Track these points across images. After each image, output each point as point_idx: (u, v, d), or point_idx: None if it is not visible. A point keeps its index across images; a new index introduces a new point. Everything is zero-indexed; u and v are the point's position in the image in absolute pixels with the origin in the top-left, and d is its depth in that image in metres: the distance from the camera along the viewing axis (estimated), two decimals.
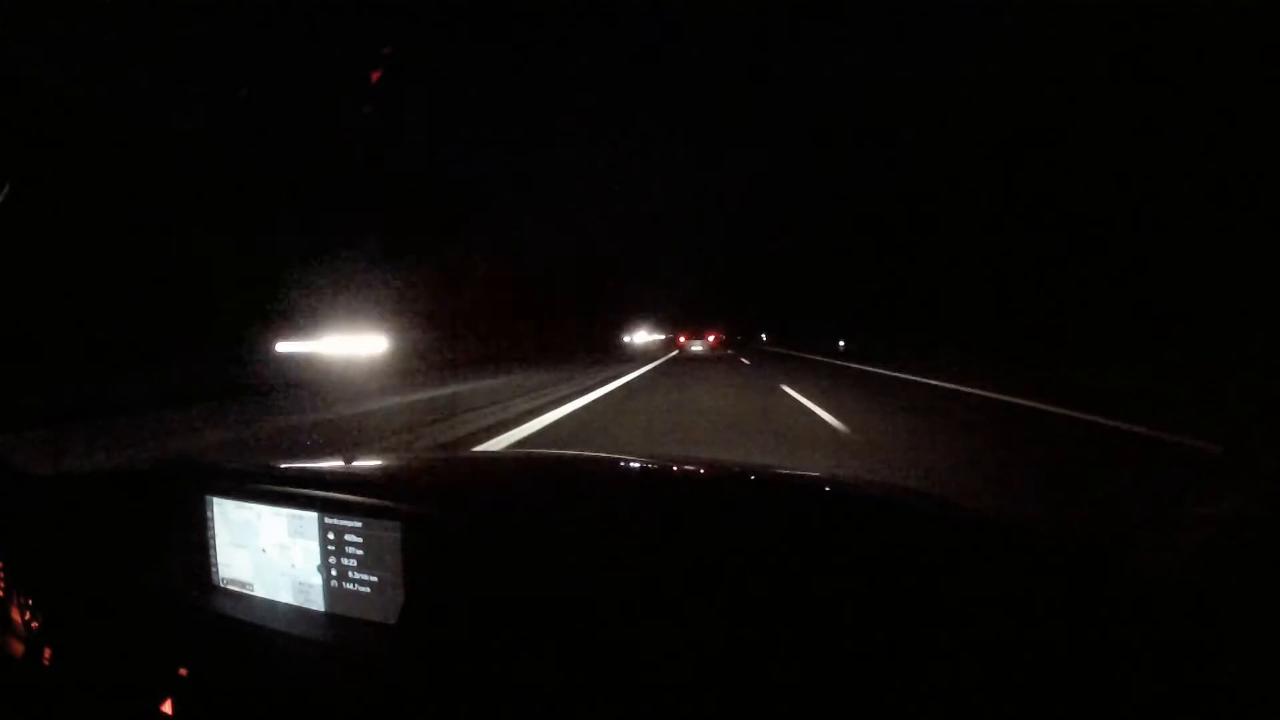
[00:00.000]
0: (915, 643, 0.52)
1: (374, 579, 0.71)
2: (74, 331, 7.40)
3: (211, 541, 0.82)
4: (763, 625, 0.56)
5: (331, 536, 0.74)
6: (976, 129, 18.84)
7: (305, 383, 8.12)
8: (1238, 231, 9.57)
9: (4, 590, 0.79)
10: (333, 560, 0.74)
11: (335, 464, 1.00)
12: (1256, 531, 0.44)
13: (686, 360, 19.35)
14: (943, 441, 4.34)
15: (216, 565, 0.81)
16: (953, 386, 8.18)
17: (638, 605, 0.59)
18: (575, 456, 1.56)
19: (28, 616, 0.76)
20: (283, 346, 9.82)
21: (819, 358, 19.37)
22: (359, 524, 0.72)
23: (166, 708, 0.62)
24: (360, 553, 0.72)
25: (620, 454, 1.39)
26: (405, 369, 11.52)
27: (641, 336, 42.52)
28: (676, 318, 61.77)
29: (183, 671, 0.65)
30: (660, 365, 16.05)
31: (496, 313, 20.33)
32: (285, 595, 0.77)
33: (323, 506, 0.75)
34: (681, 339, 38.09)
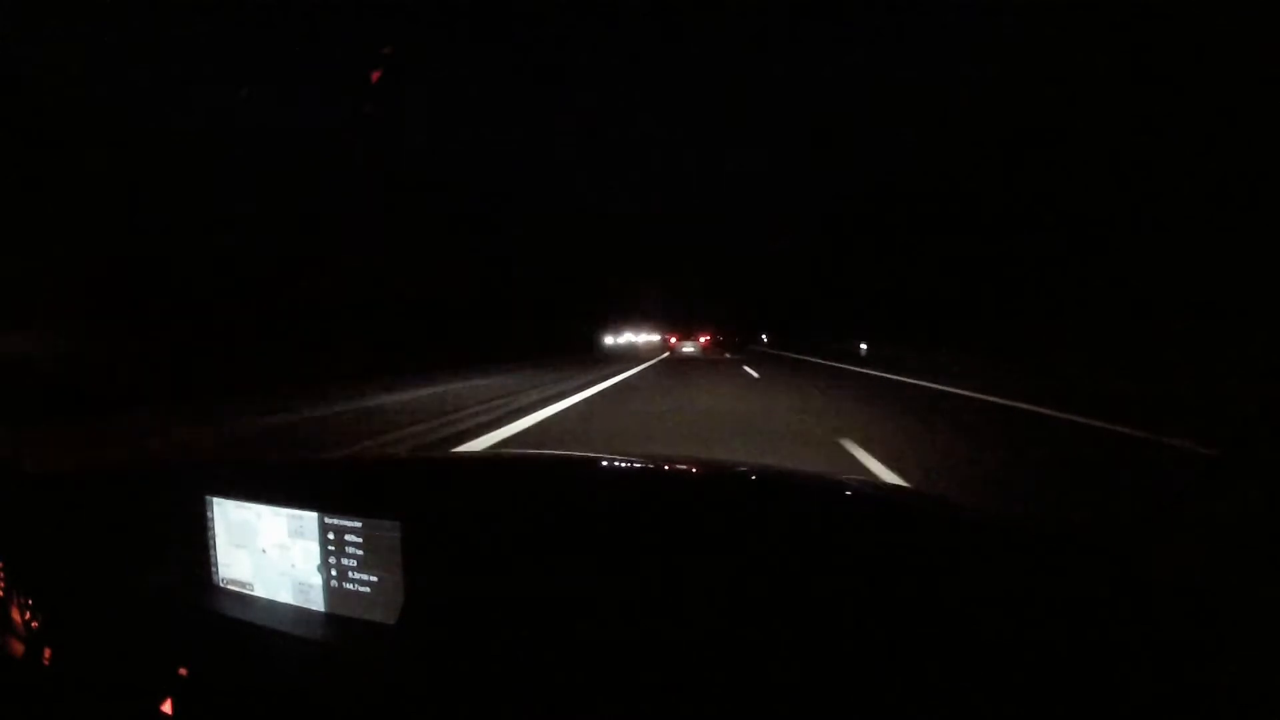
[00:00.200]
0: (915, 643, 0.52)
1: (374, 579, 0.71)
2: None
3: (211, 541, 0.82)
4: (763, 625, 0.56)
5: (331, 536, 0.74)
6: (976, 129, 18.86)
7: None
8: (1238, 231, 9.58)
9: (4, 590, 0.79)
10: (333, 560, 0.74)
11: (335, 464, 1.00)
12: (1256, 531, 0.45)
13: (678, 363, 17.45)
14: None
15: (216, 565, 0.81)
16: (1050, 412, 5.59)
17: (638, 605, 0.59)
18: (576, 456, 1.56)
19: (28, 616, 0.75)
20: None
21: (840, 364, 15.81)
22: (359, 524, 0.72)
23: (166, 708, 0.62)
24: (360, 553, 0.72)
25: (621, 454, 1.39)
26: None
27: (627, 337, 42.44)
28: (676, 318, 62.10)
29: (183, 671, 0.65)
30: (629, 378, 11.29)
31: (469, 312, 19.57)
32: (285, 595, 0.76)
33: (323, 506, 0.75)
34: (672, 340, 37.96)
